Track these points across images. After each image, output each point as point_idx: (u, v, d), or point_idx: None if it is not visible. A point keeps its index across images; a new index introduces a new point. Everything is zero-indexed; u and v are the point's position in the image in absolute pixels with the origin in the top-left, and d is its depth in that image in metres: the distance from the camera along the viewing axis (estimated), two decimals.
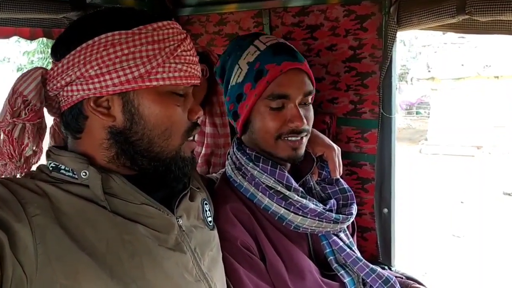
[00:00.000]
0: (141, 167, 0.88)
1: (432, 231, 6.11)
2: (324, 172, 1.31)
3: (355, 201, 1.26)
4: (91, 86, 0.81)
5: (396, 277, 1.25)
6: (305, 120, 1.12)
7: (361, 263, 1.18)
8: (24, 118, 0.83)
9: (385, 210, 1.65)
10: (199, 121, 0.98)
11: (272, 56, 1.13)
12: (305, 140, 1.18)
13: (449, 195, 7.76)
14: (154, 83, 0.83)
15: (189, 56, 0.88)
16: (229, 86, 1.20)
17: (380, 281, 1.17)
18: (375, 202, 1.66)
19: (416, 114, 18.25)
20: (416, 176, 8.94)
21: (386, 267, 1.66)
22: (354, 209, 1.23)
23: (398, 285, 1.19)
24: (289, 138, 1.14)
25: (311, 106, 1.19)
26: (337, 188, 1.27)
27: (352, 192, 1.27)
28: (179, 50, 0.86)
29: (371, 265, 1.20)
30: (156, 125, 0.86)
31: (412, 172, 9.06)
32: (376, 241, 1.70)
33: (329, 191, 1.27)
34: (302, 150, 1.18)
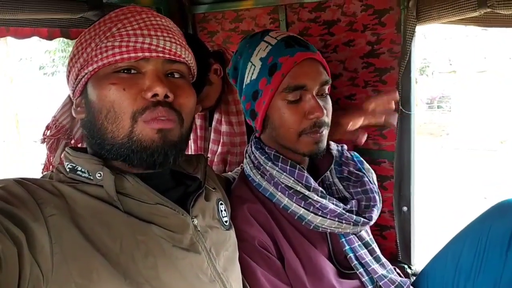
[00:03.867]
0: (116, 157, 0.85)
1: (455, 227, 6.00)
2: (351, 168, 1.28)
3: (377, 203, 1.21)
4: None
5: None
6: (324, 110, 1.11)
7: (374, 266, 1.16)
8: None
9: (405, 208, 1.63)
10: (168, 99, 0.86)
11: (284, 48, 1.11)
12: (325, 133, 1.15)
13: (471, 191, 7.61)
14: (90, 68, 0.85)
15: (131, 30, 0.85)
16: (244, 85, 1.18)
17: (393, 286, 1.15)
18: (394, 200, 1.63)
19: (438, 108, 17.94)
20: (438, 171, 8.79)
21: (406, 266, 1.64)
22: (376, 212, 1.19)
23: None
24: (311, 136, 1.12)
25: (329, 97, 1.17)
26: (360, 189, 1.23)
27: (375, 195, 1.22)
28: (113, 29, 0.86)
29: (386, 269, 1.18)
30: (99, 109, 0.85)
31: (434, 167, 8.91)
32: (395, 240, 1.68)
33: (352, 190, 1.23)
34: (324, 144, 1.16)
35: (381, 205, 1.23)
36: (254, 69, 1.14)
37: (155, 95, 0.84)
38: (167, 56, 0.87)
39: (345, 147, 1.35)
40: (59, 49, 10.84)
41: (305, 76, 1.10)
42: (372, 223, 1.18)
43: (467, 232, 1.27)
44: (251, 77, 1.15)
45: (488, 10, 1.19)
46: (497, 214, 1.20)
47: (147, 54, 0.85)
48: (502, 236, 1.15)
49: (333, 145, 1.31)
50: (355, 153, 1.34)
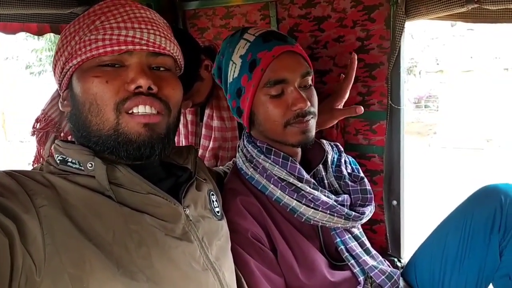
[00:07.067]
0: (104, 149, 0.86)
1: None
2: (349, 171, 1.30)
3: (373, 204, 1.24)
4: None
5: None
6: (308, 102, 1.11)
7: (364, 258, 1.18)
8: None
9: (394, 202, 1.64)
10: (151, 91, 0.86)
11: (262, 44, 1.13)
12: (312, 122, 1.16)
13: (458, 188, 7.71)
14: (74, 61, 0.85)
15: (114, 23, 0.86)
16: (228, 83, 1.20)
17: (383, 277, 1.17)
18: (384, 194, 1.65)
19: (425, 107, 18.12)
20: (425, 169, 8.88)
21: (395, 259, 1.66)
22: (370, 210, 1.22)
23: (402, 280, 1.19)
24: (297, 125, 1.13)
25: (313, 88, 1.18)
26: (359, 188, 1.26)
27: (373, 195, 1.26)
28: (97, 22, 0.86)
29: (376, 261, 1.20)
30: (82, 102, 0.85)
31: (421, 166, 9.00)
32: (385, 233, 1.69)
33: (350, 188, 1.26)
34: (311, 133, 1.17)
35: (374, 209, 1.25)
36: (235, 67, 1.16)
37: (139, 87, 0.84)
38: (151, 48, 0.87)
39: (342, 148, 1.38)
40: (46, 48, 10.71)
41: (284, 69, 1.11)
42: (364, 219, 1.20)
43: (451, 219, 1.31)
44: (233, 75, 1.17)
45: (476, 5, 1.21)
46: (479, 199, 1.24)
47: (130, 47, 0.85)
48: (485, 220, 1.18)
49: (326, 143, 1.33)
50: (353, 159, 1.37)
